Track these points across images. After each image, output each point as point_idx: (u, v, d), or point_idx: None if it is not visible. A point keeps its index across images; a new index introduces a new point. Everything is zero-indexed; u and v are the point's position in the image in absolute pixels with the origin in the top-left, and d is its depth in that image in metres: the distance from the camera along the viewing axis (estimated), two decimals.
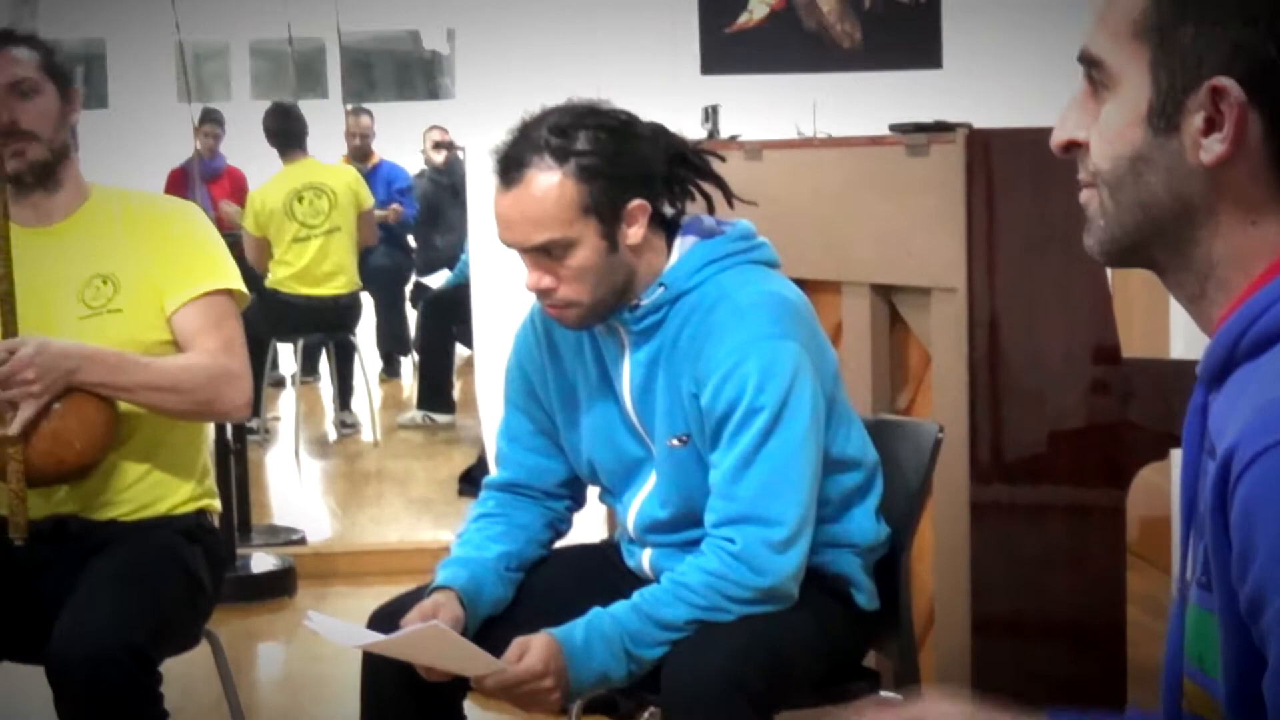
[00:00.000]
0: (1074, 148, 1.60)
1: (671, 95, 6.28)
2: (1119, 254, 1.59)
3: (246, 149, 11.55)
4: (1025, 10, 6.57)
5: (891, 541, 3.13)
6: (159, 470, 3.46)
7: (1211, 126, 1.49)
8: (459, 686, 2.91)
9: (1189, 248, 1.55)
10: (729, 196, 3.05)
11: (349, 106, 11.78)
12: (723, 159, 3.08)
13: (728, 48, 6.67)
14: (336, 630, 3.03)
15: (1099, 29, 1.56)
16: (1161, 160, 1.52)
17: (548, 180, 2.81)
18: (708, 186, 3.03)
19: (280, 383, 10.77)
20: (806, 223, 4.29)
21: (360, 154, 11.03)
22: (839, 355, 3.10)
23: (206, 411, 3.43)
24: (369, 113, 11.49)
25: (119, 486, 3.43)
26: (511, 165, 2.84)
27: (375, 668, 2.97)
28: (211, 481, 3.62)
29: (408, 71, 21.18)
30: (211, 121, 11.62)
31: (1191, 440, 1.57)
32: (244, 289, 3.53)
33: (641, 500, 3.03)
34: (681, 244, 2.96)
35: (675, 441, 2.93)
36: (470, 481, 7.45)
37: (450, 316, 9.48)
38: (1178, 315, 5.43)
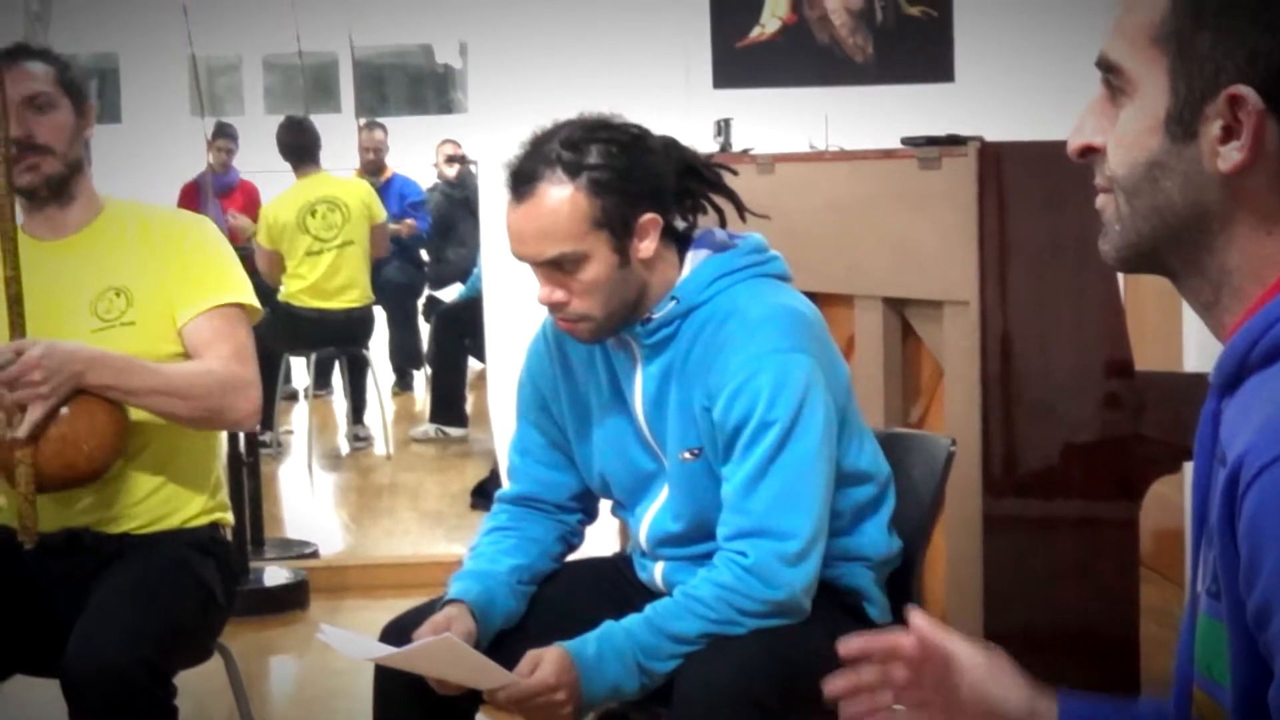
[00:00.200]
0: (1090, 153, 1.60)
1: (684, 109, 6.30)
2: (1134, 260, 1.59)
3: (259, 163, 11.57)
4: (1036, 24, 6.57)
5: (904, 555, 3.12)
6: (172, 483, 3.47)
7: (1229, 134, 1.49)
8: (471, 699, 2.91)
9: (1204, 255, 1.55)
10: (741, 210, 3.05)
11: (362, 120, 11.80)
12: (735, 172, 3.08)
13: (740, 61, 6.68)
14: (349, 643, 3.04)
15: (1117, 35, 1.55)
16: (1179, 167, 1.52)
17: (560, 194, 2.81)
18: (720, 200, 3.03)
19: (293, 396, 10.78)
20: (819, 236, 4.29)
21: (373, 168, 11.04)
22: (851, 368, 3.10)
23: (215, 419, 3.40)
24: (383, 126, 11.50)
25: (132, 499, 3.43)
26: (523, 179, 2.84)
27: (387, 681, 2.98)
28: (224, 494, 3.63)
29: (420, 85, 21.22)
30: (224, 136, 11.63)
31: (1203, 448, 1.57)
32: (256, 303, 3.53)
33: (654, 514, 3.03)
34: (693, 257, 2.96)
35: (687, 455, 2.93)
36: (482, 495, 7.45)
37: (463, 330, 9.48)
38: (1190, 328, 5.42)
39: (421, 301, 11.28)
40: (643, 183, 2.85)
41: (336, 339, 8.96)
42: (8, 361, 3.16)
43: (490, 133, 6.53)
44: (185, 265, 3.43)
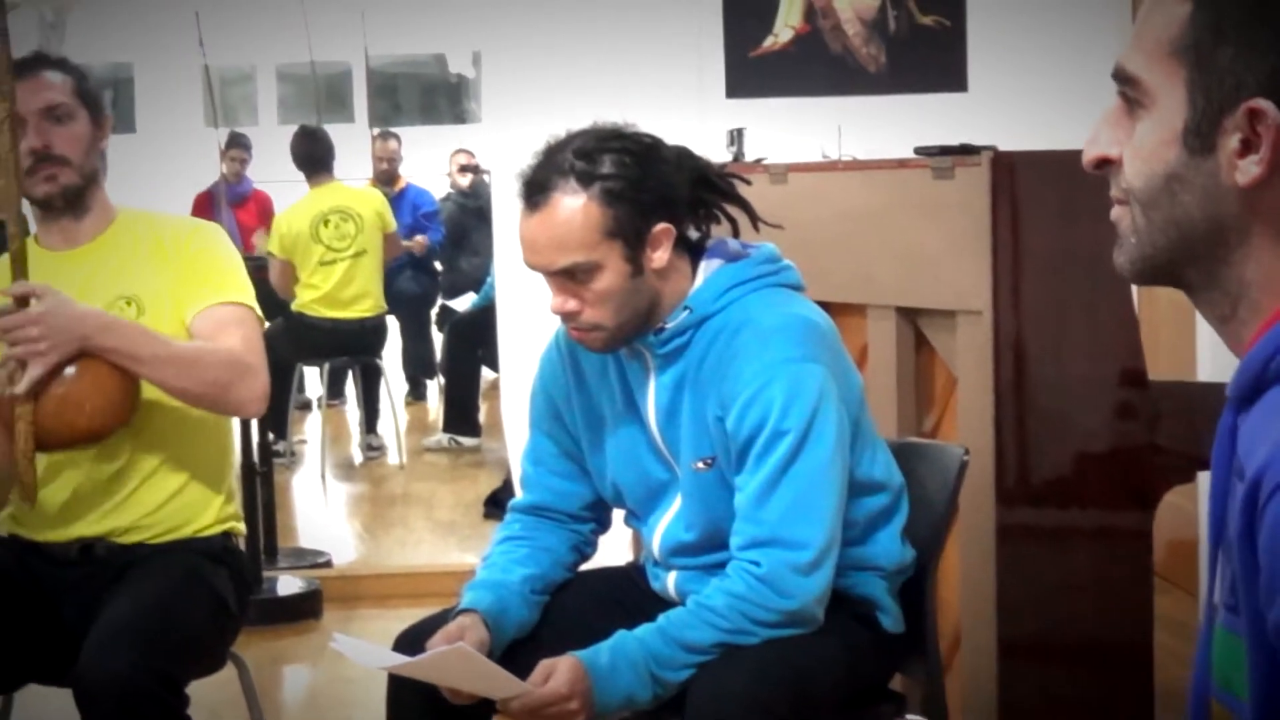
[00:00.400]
0: (1106, 164, 1.59)
1: (697, 119, 6.30)
2: (1150, 272, 1.59)
3: (273, 173, 11.59)
4: (1050, 34, 6.56)
5: (917, 564, 3.12)
6: (185, 493, 3.47)
7: (1248, 148, 1.48)
8: (484, 709, 2.91)
9: (1221, 268, 1.54)
10: (754, 219, 3.05)
11: (376, 130, 11.81)
12: (748, 182, 3.08)
13: (753, 71, 6.68)
14: (362, 652, 3.04)
15: (1135, 47, 1.55)
16: (1196, 180, 1.51)
17: (573, 204, 2.81)
18: (733, 209, 3.04)
19: (306, 406, 10.79)
20: (832, 245, 4.29)
21: (387, 178, 11.05)
22: (864, 378, 3.10)
23: (220, 397, 3.35)
24: (396, 136, 11.51)
25: (145, 509, 3.44)
26: (536, 189, 2.85)
27: (401, 690, 2.98)
28: (237, 504, 3.63)
29: (433, 95, 21.23)
30: (238, 146, 11.65)
31: (1220, 462, 1.57)
32: (259, 312, 3.53)
33: (667, 523, 3.03)
34: (706, 267, 2.96)
35: (700, 464, 2.93)
36: (496, 504, 7.45)
37: (476, 340, 9.49)
38: (1204, 338, 5.42)
39: (435, 311, 11.28)
40: (656, 192, 2.86)
41: (350, 348, 8.97)
42: (6, 310, 3.17)
43: (503, 142, 6.54)
44: (193, 267, 3.44)
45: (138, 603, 3.19)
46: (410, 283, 10.71)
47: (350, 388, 10.50)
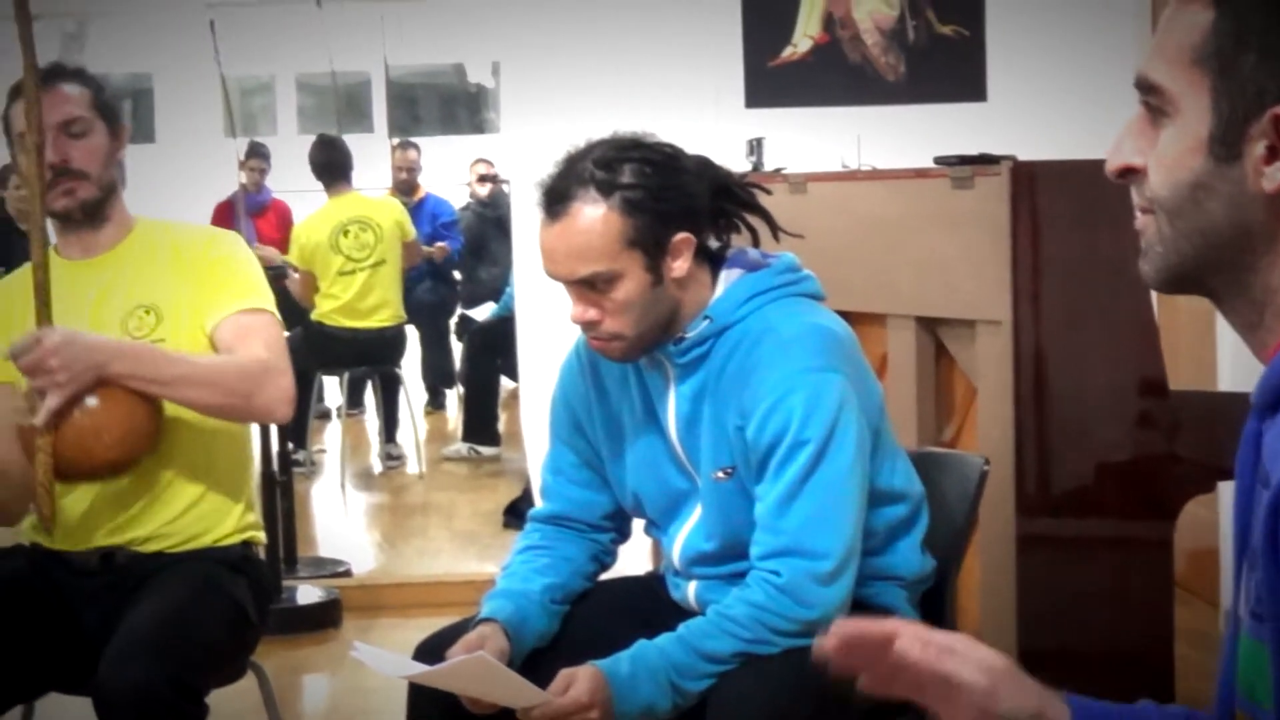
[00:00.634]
0: (1130, 173, 1.59)
1: (716, 128, 6.30)
2: (1176, 281, 1.58)
3: (292, 182, 11.61)
4: (1069, 43, 6.56)
5: (937, 574, 3.11)
6: (205, 502, 3.47)
7: (1274, 155, 1.48)
8: (504, 718, 2.91)
9: (1247, 275, 1.54)
10: (774, 229, 3.05)
11: (395, 140, 11.83)
12: (768, 192, 3.08)
13: (772, 81, 6.68)
14: (382, 661, 3.04)
15: (1157, 55, 1.54)
16: (1222, 188, 1.51)
17: (593, 213, 2.81)
18: (753, 219, 3.03)
19: (326, 415, 10.80)
20: (851, 255, 4.29)
21: (406, 187, 11.06)
22: (884, 388, 3.09)
23: (245, 407, 3.35)
24: (416, 146, 11.53)
25: (165, 518, 3.44)
26: (556, 198, 2.84)
27: (420, 699, 2.98)
28: (257, 513, 3.63)
29: (452, 105, 21.27)
30: (257, 155, 11.67)
31: (1245, 470, 1.56)
32: (279, 318, 3.53)
33: (687, 533, 3.03)
34: (726, 277, 2.96)
35: (720, 474, 2.92)
36: (515, 514, 7.45)
37: (495, 349, 9.50)
38: (1225, 347, 5.41)
39: (454, 320, 11.29)
40: (676, 202, 2.85)
41: (369, 358, 8.98)
42: (27, 349, 3.16)
43: (522, 152, 6.54)
44: (213, 275, 3.44)
45: (158, 612, 3.19)
46: (429, 292, 10.72)
47: (370, 397, 10.50)
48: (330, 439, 10.36)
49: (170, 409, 3.32)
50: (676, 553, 3.06)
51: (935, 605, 3.11)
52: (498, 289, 10.64)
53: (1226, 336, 5.34)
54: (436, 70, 20.31)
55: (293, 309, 8.29)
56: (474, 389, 9.86)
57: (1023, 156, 3.91)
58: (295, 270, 8.91)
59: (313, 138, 9.45)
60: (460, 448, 9.66)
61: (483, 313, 10.89)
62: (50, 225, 3.48)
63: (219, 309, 3.41)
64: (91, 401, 3.18)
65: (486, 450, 9.60)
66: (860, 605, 2.93)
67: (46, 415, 3.14)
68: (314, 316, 8.78)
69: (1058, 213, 3.80)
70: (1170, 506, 3.87)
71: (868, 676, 1.75)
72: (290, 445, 7.04)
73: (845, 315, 3.11)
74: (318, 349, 8.66)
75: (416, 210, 10.51)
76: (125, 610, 3.23)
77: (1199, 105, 1.51)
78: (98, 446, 3.20)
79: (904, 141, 5.75)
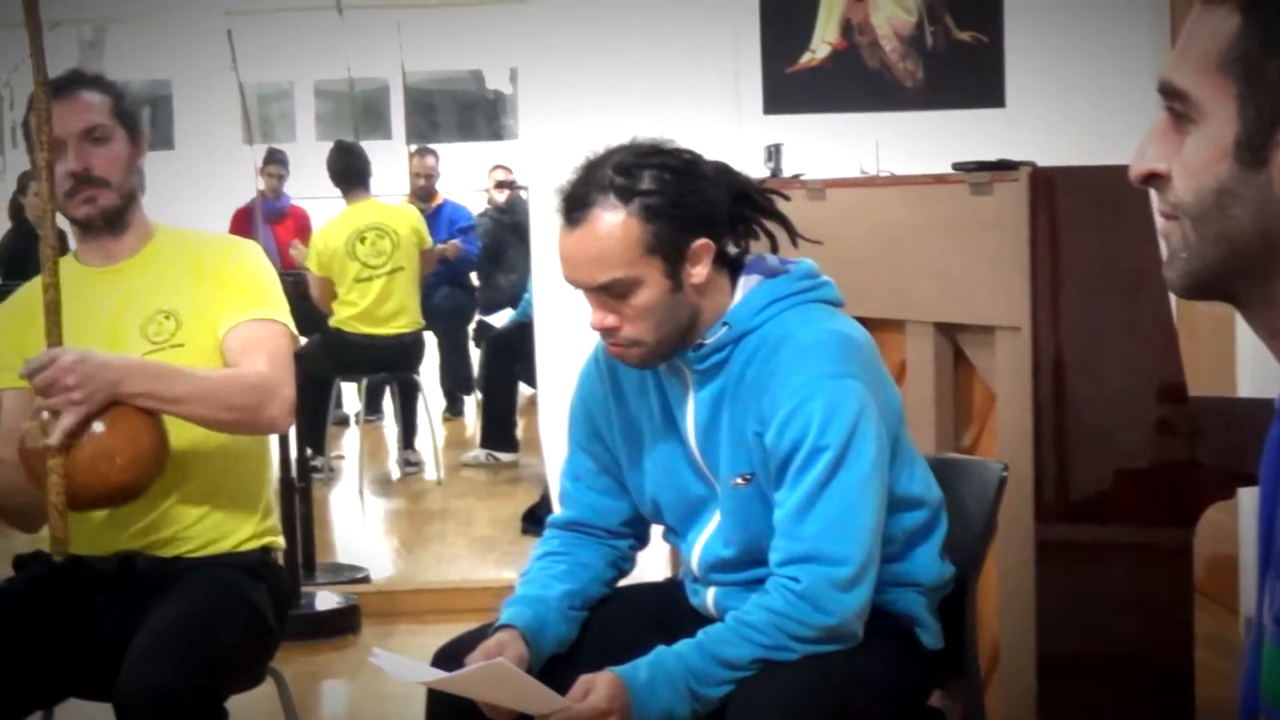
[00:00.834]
0: (1153, 179, 1.58)
1: (734, 134, 6.30)
2: (1200, 287, 1.58)
3: (310, 189, 11.62)
4: (1088, 49, 6.55)
5: (956, 581, 3.11)
6: (223, 507, 3.48)
7: None
8: None
9: (1274, 282, 1.53)
10: (793, 235, 3.05)
11: (413, 147, 11.84)
12: (786, 198, 3.08)
13: (790, 87, 6.68)
14: (401, 667, 3.04)
15: (1182, 60, 1.54)
16: (1248, 194, 1.50)
17: (612, 220, 2.81)
18: (771, 225, 3.03)
19: (344, 422, 10.82)
20: (870, 261, 4.28)
21: (424, 194, 11.08)
22: (903, 394, 3.09)
23: (248, 422, 3.35)
24: (434, 153, 11.54)
25: (184, 524, 3.45)
26: (576, 204, 2.85)
27: (439, 705, 2.98)
28: (276, 519, 3.64)
29: (470, 112, 21.30)
30: (275, 162, 11.69)
31: (1270, 475, 1.56)
32: (294, 328, 3.53)
33: (705, 539, 3.03)
34: (745, 283, 2.96)
35: (739, 480, 2.92)
36: (533, 520, 7.45)
37: (513, 355, 9.50)
38: (1245, 353, 5.40)
39: (472, 327, 11.30)
40: (695, 208, 2.85)
41: (387, 364, 8.99)
42: (41, 367, 3.13)
43: (540, 158, 6.55)
44: (229, 283, 3.45)
45: (177, 617, 3.20)
46: (447, 298, 10.73)
47: (388, 403, 10.52)
48: (349, 445, 10.38)
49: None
50: (695, 559, 3.06)
51: (954, 612, 3.11)
52: (516, 295, 10.65)
53: (1246, 342, 5.33)
54: (454, 77, 20.34)
55: (311, 315, 8.30)
56: (492, 395, 9.86)
57: (1041, 162, 3.90)
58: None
59: (331, 144, 9.46)
60: (478, 454, 9.67)
61: (501, 319, 10.89)
62: (70, 232, 3.49)
63: (232, 316, 3.42)
64: (101, 422, 3.15)
65: (505, 456, 9.61)
66: (879, 612, 2.93)
67: (61, 435, 3.11)
68: (332, 323, 8.79)
69: (1077, 219, 3.80)
70: (1190, 513, 3.86)
71: None
72: (308, 451, 7.05)
73: (864, 321, 3.10)
74: (336, 355, 8.67)
75: (434, 217, 10.52)
76: (145, 615, 3.23)
77: (1225, 111, 1.51)
78: (111, 469, 3.15)
79: (922, 148, 5.74)
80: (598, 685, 2.75)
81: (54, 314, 3.18)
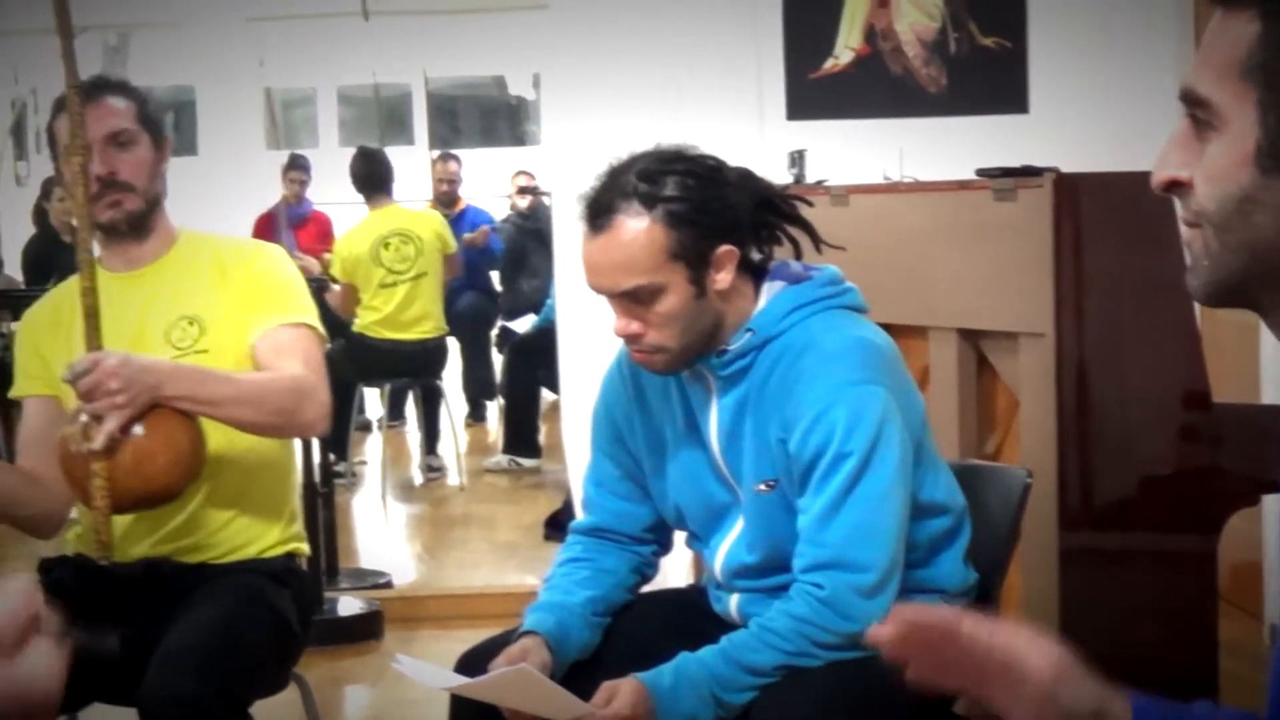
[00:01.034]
0: (1175, 186, 1.57)
1: (758, 141, 6.30)
2: (1223, 295, 1.57)
3: (333, 194, 11.64)
4: (1112, 55, 6.54)
5: (980, 587, 3.11)
6: (249, 513, 3.49)
7: None
8: None
9: None
10: (816, 241, 3.05)
11: (436, 152, 11.85)
12: (810, 204, 3.08)
13: (813, 93, 6.67)
14: (424, 673, 3.04)
15: (1203, 68, 1.53)
16: (1271, 201, 1.50)
17: (636, 226, 2.81)
18: (795, 231, 3.03)
19: (367, 427, 10.83)
20: (893, 267, 4.28)
21: (447, 199, 11.09)
22: (926, 400, 3.09)
23: (287, 425, 3.37)
24: (457, 158, 11.55)
25: (210, 530, 3.45)
26: (600, 211, 2.85)
27: (462, 711, 2.98)
28: (300, 525, 3.65)
29: (493, 117, 21.31)
30: (297, 167, 11.71)
31: None
32: (323, 331, 3.54)
33: (729, 545, 3.03)
34: (769, 289, 2.96)
35: (762, 486, 2.92)
36: (556, 526, 7.45)
37: (536, 361, 9.50)
38: (1269, 360, 5.38)
39: (495, 332, 11.31)
40: (719, 215, 2.85)
41: (410, 370, 9.00)
42: (85, 371, 3.14)
43: (563, 164, 6.55)
44: (256, 288, 3.46)
45: (202, 623, 3.20)
46: (470, 304, 10.74)
47: (410, 409, 10.53)
48: (371, 450, 10.39)
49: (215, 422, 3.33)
50: (718, 565, 3.06)
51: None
52: (538, 301, 10.66)
53: (1270, 350, 5.32)
54: (477, 82, 20.34)
55: (334, 321, 8.31)
56: (515, 401, 9.87)
57: (1065, 169, 3.90)
58: (335, 283, 8.93)
59: (354, 150, 9.48)
60: (501, 459, 9.68)
61: (524, 325, 10.91)
62: (95, 237, 3.50)
63: (261, 322, 3.43)
64: (141, 425, 3.16)
65: (527, 462, 9.62)
66: None
67: (106, 439, 3.11)
68: (355, 328, 8.81)
69: (1100, 225, 3.79)
70: (1214, 520, 3.86)
71: (918, 666, 1.74)
72: (331, 457, 7.06)
73: (887, 327, 3.10)
74: (359, 361, 8.69)
75: (457, 222, 10.53)
76: (170, 621, 3.24)
77: (1247, 118, 1.50)
78: (154, 472, 3.17)
79: (946, 154, 5.74)
80: (621, 691, 2.75)
81: (93, 319, 3.20)
